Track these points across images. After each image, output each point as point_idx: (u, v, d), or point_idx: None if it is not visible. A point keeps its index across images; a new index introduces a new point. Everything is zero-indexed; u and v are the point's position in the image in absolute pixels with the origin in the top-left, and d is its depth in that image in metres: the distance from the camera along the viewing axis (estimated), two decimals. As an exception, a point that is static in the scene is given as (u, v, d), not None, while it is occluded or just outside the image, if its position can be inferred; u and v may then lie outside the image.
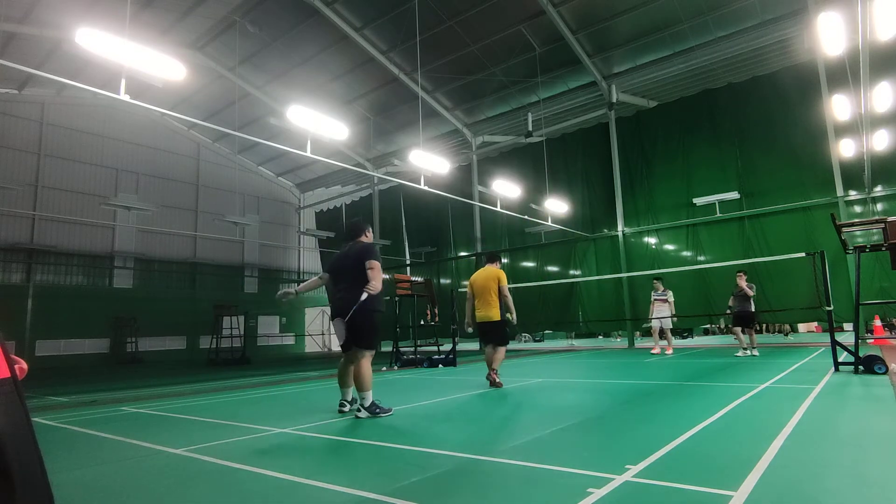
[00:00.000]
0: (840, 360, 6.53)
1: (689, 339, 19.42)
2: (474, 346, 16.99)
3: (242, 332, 15.57)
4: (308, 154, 8.38)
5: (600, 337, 23.77)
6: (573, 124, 16.77)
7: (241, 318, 15.70)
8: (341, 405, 4.63)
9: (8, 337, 15.22)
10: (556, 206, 13.99)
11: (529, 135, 16.47)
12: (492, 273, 6.52)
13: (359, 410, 4.33)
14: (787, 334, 19.98)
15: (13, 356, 0.99)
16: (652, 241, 14.86)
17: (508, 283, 6.57)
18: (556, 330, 20.06)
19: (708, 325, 24.62)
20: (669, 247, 14.67)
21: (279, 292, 4.65)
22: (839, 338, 6.87)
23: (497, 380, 6.29)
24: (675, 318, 11.63)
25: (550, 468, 2.57)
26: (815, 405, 4.09)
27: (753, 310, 9.72)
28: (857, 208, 12.11)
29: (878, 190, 11.86)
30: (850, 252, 6.52)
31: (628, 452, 2.80)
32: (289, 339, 24.46)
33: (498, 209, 13.07)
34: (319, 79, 17.49)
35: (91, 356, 18.05)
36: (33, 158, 18.18)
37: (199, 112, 19.33)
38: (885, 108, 9.24)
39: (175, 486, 2.59)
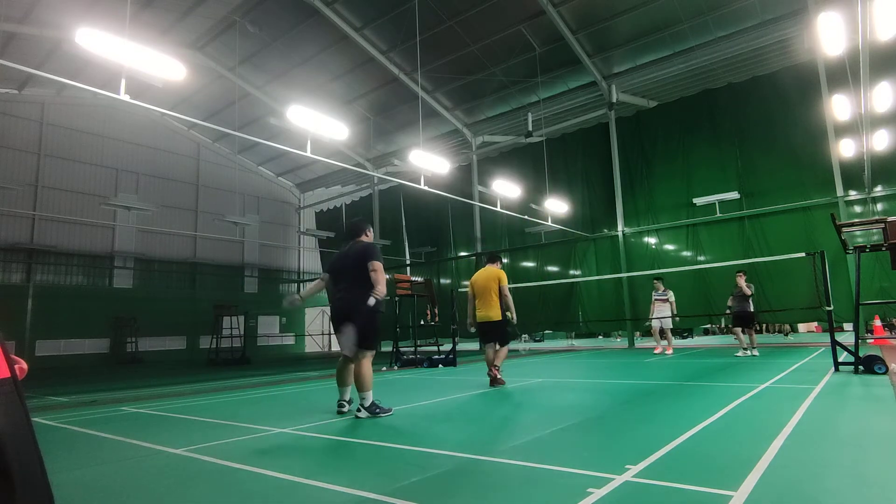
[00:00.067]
0: (840, 360, 6.53)
1: (689, 339, 19.42)
2: (474, 346, 16.98)
3: (242, 332, 15.57)
4: (308, 154, 8.38)
5: (600, 337, 23.77)
6: (573, 124, 16.77)
7: (241, 318, 15.70)
8: (340, 405, 4.61)
9: (8, 337, 15.22)
10: (556, 206, 13.99)
11: (529, 135, 16.47)
12: (492, 273, 6.54)
13: (359, 410, 4.33)
14: (787, 334, 19.98)
15: (13, 356, 0.99)
16: (652, 241, 14.86)
17: (508, 284, 6.58)
18: (556, 330, 20.05)
19: (708, 325, 24.62)
20: (669, 247, 14.67)
21: (286, 300, 4.68)
22: (839, 338, 6.87)
23: (499, 376, 6.32)
24: (676, 318, 11.64)
25: (550, 468, 2.56)
26: (815, 405, 4.09)
27: (752, 310, 9.72)
28: (857, 208, 12.11)
29: (878, 190, 11.86)
30: (850, 252, 6.51)
31: (628, 452, 2.80)
32: (289, 339, 24.46)
33: (498, 209, 13.08)
34: (319, 79, 17.49)
35: (91, 356, 18.05)
36: (33, 158, 18.19)
37: (199, 112, 19.33)
38: (885, 108, 9.24)
39: (175, 486, 2.59)
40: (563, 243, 16.50)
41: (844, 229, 6.46)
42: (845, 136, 11.63)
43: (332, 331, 4.52)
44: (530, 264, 17.48)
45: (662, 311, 11.14)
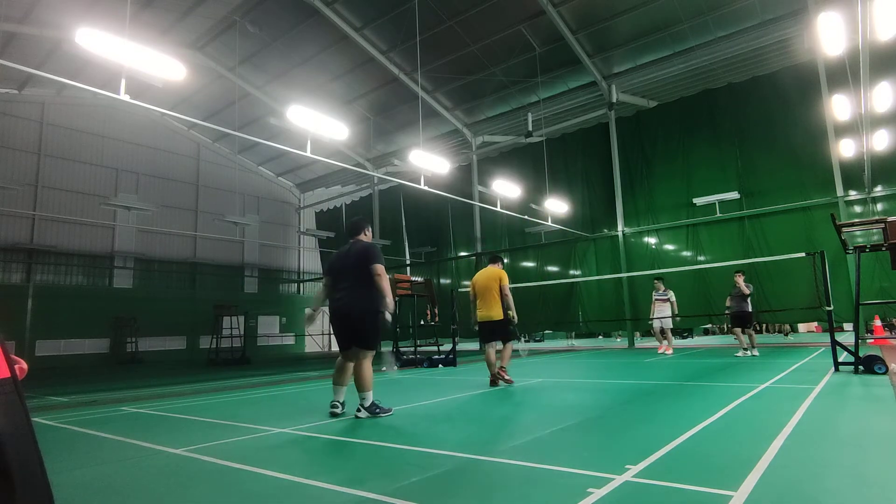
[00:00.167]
0: (840, 360, 6.53)
1: (689, 339, 19.42)
2: (474, 346, 16.97)
3: (242, 332, 15.57)
4: (308, 154, 8.38)
5: (600, 337, 23.77)
6: (573, 124, 16.77)
7: (241, 318, 15.71)
8: (333, 406, 4.46)
9: (8, 337, 15.24)
10: (556, 206, 13.99)
11: (529, 135, 16.47)
12: (493, 273, 6.55)
13: (359, 410, 4.32)
14: (787, 334, 19.97)
15: (13, 356, 0.99)
16: (652, 241, 14.86)
17: (508, 284, 6.60)
18: (556, 330, 20.05)
19: (708, 325, 24.61)
20: (669, 247, 14.67)
21: (306, 319, 4.76)
22: (839, 338, 6.87)
23: (506, 377, 6.33)
24: (677, 318, 11.64)
25: (550, 468, 2.57)
26: (815, 405, 4.09)
27: (751, 310, 9.71)
28: (857, 208, 12.11)
29: (878, 190, 11.86)
30: (850, 252, 6.51)
31: (628, 452, 2.80)
32: (289, 339, 24.46)
33: (498, 209, 13.07)
34: (319, 79, 17.49)
35: (91, 356, 18.04)
36: (33, 158, 18.18)
37: (199, 112, 19.33)
38: (885, 108, 9.24)
39: (175, 486, 2.59)
40: (563, 243, 16.50)
41: (844, 229, 6.46)
42: (845, 136, 11.63)
43: (332, 331, 4.51)
44: (530, 264, 17.48)
45: (663, 311, 11.14)
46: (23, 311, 16.71)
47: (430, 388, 6.47)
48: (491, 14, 13.91)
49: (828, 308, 6.75)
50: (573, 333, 22.64)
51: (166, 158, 21.72)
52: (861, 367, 6.09)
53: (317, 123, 8.39)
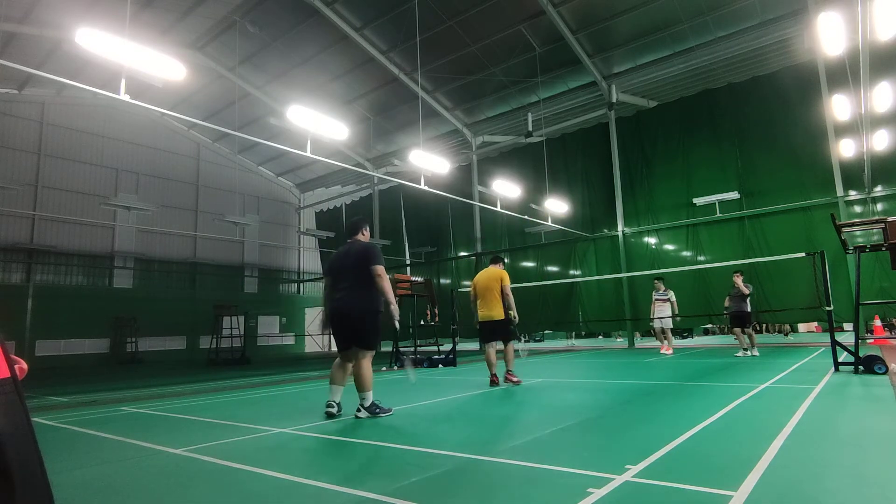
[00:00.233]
0: (840, 360, 6.53)
1: (689, 339, 19.42)
2: (474, 345, 16.97)
3: (242, 332, 15.58)
4: (308, 154, 8.38)
5: (600, 337, 23.76)
6: (573, 124, 16.77)
7: (241, 318, 15.71)
8: (328, 405, 4.38)
9: (8, 337, 15.23)
10: (556, 206, 13.99)
11: (529, 135, 16.47)
12: (494, 273, 6.56)
13: (359, 410, 4.32)
14: (787, 334, 19.97)
15: (13, 356, 0.99)
16: (652, 241, 14.86)
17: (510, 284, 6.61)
18: (556, 330, 20.04)
19: (708, 326, 24.60)
20: (669, 247, 14.67)
21: (321, 326, 4.77)
22: (839, 338, 6.87)
23: (514, 378, 6.34)
24: (678, 318, 11.64)
25: (550, 468, 2.57)
26: (815, 405, 4.09)
27: (749, 310, 9.71)
28: (857, 208, 12.11)
29: (878, 190, 11.86)
30: (850, 252, 6.52)
31: (628, 452, 2.80)
32: (289, 339, 24.46)
33: (498, 209, 13.07)
34: (319, 79, 17.48)
35: (91, 356, 18.04)
36: (33, 158, 18.18)
37: (199, 112, 19.33)
38: (885, 108, 9.24)
39: (175, 486, 2.59)
40: (563, 243, 16.49)
41: (844, 229, 6.46)
42: (845, 136, 11.63)
43: (330, 331, 4.50)
44: (530, 264, 17.48)
45: (663, 311, 11.15)
46: (23, 311, 16.71)
47: (430, 388, 6.47)
48: (491, 14, 13.91)
49: (828, 308, 6.75)
50: (573, 333, 22.64)
51: (166, 158, 21.72)
52: (861, 367, 6.09)
53: (317, 123, 8.39)
